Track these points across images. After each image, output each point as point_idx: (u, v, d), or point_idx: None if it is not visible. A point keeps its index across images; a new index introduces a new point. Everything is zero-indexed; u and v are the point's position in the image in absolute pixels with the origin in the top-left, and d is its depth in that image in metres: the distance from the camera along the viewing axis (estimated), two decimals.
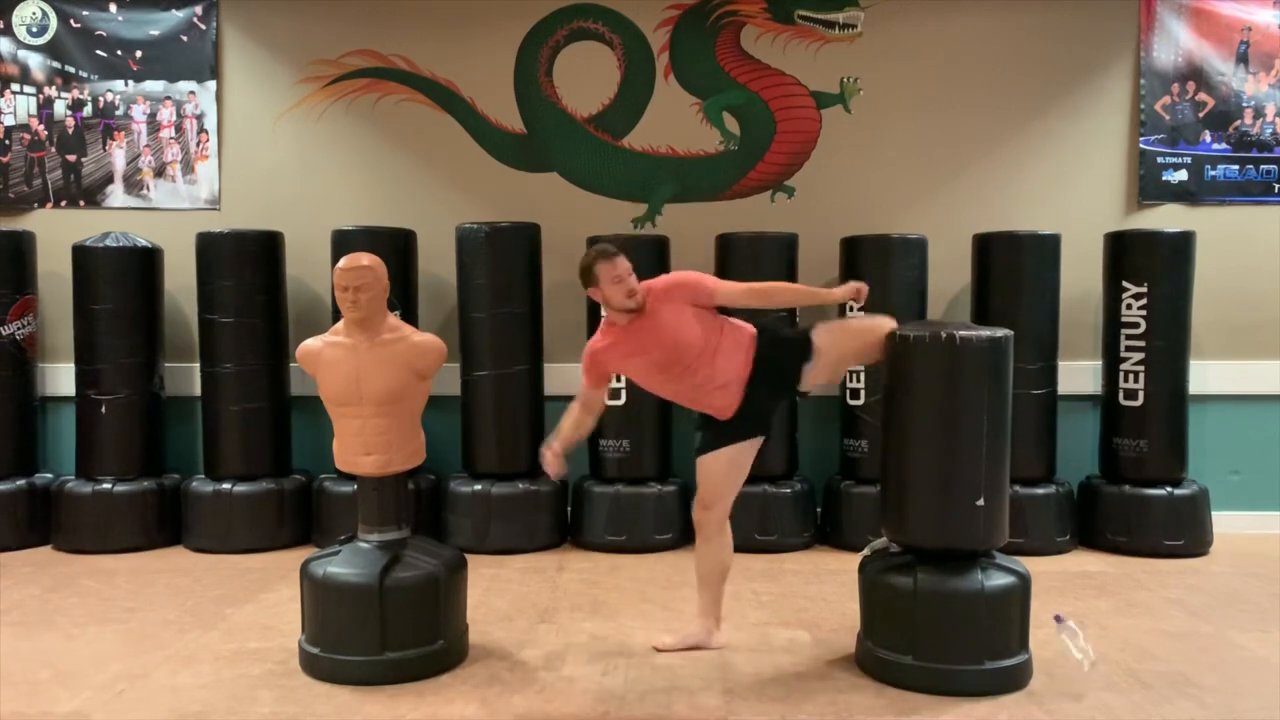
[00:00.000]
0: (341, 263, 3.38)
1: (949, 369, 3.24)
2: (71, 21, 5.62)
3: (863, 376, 5.08)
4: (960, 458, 3.23)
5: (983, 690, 3.19)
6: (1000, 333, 3.28)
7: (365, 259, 3.39)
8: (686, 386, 3.48)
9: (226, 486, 5.07)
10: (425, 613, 3.34)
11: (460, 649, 3.50)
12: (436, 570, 3.37)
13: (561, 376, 5.41)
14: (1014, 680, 3.25)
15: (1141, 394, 5.07)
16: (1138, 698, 3.21)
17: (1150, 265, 5.06)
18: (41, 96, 5.66)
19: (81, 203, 5.67)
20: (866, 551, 3.66)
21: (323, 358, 3.42)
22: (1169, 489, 5.02)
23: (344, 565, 3.36)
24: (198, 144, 5.65)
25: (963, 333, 3.22)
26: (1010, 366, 3.32)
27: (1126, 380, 5.11)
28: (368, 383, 3.35)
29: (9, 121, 5.65)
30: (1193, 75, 5.51)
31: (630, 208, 5.61)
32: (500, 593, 4.36)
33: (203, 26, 5.62)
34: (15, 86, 5.65)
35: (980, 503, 3.21)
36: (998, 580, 3.24)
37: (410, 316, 5.22)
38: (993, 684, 3.21)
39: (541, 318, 5.28)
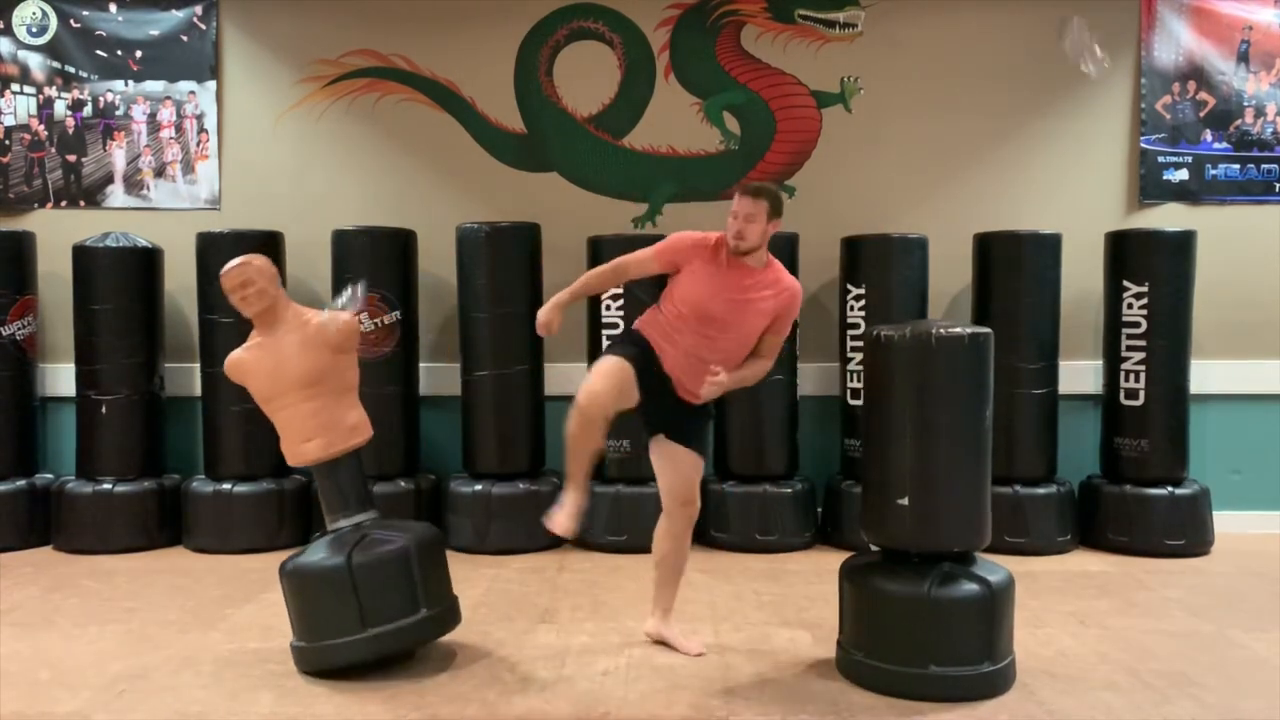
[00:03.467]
0: (222, 270, 3.42)
1: (922, 368, 3.18)
2: (71, 21, 5.62)
3: (863, 377, 5.08)
4: (932, 458, 3.18)
5: (924, 696, 3.13)
6: (976, 330, 3.22)
7: (240, 258, 3.43)
8: (702, 345, 3.35)
9: (226, 486, 5.07)
10: (400, 584, 3.33)
11: (449, 617, 3.50)
12: (405, 542, 3.37)
13: (561, 376, 5.41)
14: (963, 689, 3.14)
15: (1142, 393, 5.06)
16: (1138, 697, 3.20)
17: (1151, 265, 5.06)
18: (41, 96, 5.66)
19: (81, 203, 5.67)
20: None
21: (246, 363, 3.45)
22: (1170, 488, 5.02)
23: (312, 554, 3.39)
24: (198, 144, 5.65)
25: (937, 331, 3.18)
26: (989, 365, 3.25)
27: (1127, 380, 5.10)
28: (287, 371, 3.37)
29: (9, 121, 5.65)
30: (1194, 74, 5.51)
31: (631, 207, 5.61)
32: (500, 593, 4.36)
33: (203, 26, 5.62)
34: (15, 86, 5.65)
35: (903, 501, 3.17)
36: (949, 587, 3.15)
37: (410, 316, 5.23)
38: (936, 690, 3.13)
39: None
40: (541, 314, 3.45)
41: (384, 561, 3.31)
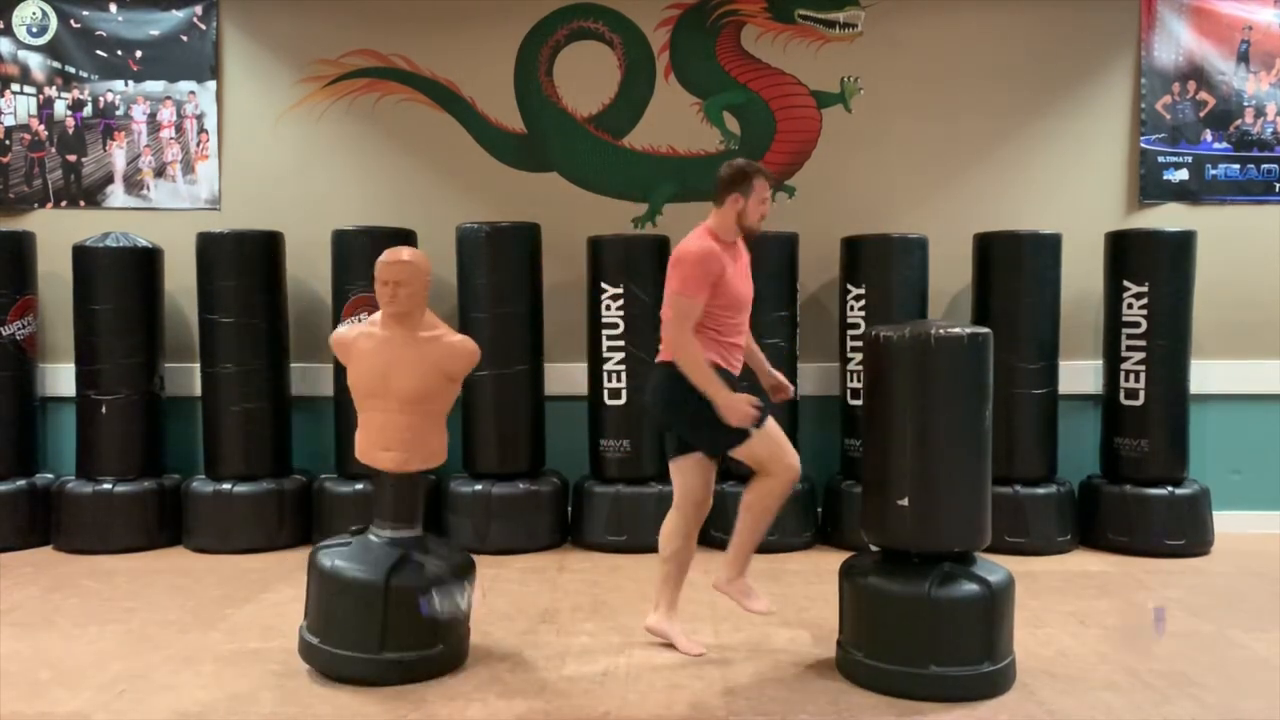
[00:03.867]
0: (383, 256, 3.36)
1: (922, 368, 3.18)
2: (71, 21, 5.62)
3: (863, 377, 5.07)
4: (932, 458, 3.18)
5: (924, 696, 3.13)
6: (976, 331, 3.22)
7: (406, 253, 3.37)
8: (741, 330, 3.54)
9: (226, 486, 5.07)
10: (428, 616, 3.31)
11: (459, 653, 3.47)
12: (442, 572, 3.34)
13: (561, 376, 5.42)
14: (963, 689, 3.14)
15: (1142, 393, 5.06)
16: (1138, 697, 3.20)
17: (1151, 265, 5.05)
18: (41, 96, 5.66)
19: (82, 203, 5.67)
20: None
21: (355, 347, 3.40)
22: (1170, 489, 5.02)
23: (352, 560, 3.33)
24: (198, 144, 5.65)
25: (937, 331, 3.18)
26: (989, 365, 3.25)
27: (1127, 380, 5.10)
28: (396, 378, 3.32)
29: (9, 121, 5.65)
30: (1194, 74, 5.51)
31: (630, 207, 5.61)
32: (501, 593, 4.36)
33: (203, 26, 5.62)
34: (15, 86, 5.65)
35: (903, 502, 3.18)
36: (949, 587, 3.16)
37: None
38: (936, 690, 3.13)
39: (541, 318, 5.28)
40: (738, 409, 3.31)
41: (419, 590, 3.28)
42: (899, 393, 3.22)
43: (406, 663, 3.28)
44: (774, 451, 3.43)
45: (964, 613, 3.15)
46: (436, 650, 3.34)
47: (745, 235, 3.50)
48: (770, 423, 3.43)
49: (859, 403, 5.08)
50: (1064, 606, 4.13)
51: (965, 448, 3.21)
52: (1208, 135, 5.53)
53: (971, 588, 3.17)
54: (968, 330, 3.20)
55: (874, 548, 3.41)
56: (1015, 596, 3.30)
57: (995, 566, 3.30)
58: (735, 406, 3.33)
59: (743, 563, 3.61)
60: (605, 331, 5.09)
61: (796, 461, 3.48)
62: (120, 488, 5.09)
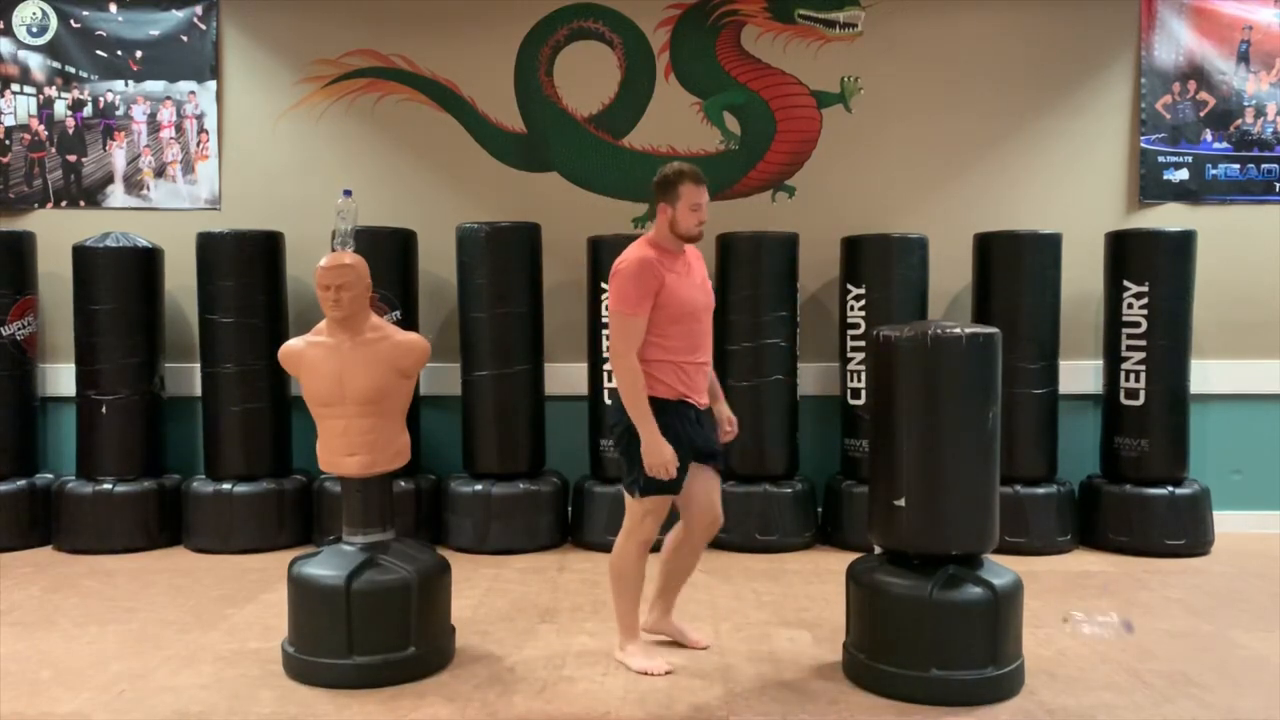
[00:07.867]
0: (323, 261, 3.36)
1: (929, 369, 3.17)
2: (71, 22, 5.63)
3: (863, 376, 5.08)
4: (938, 460, 3.17)
5: (925, 699, 3.12)
6: (982, 331, 3.20)
7: (347, 257, 3.37)
8: (697, 344, 3.35)
9: (227, 487, 5.07)
10: (395, 618, 3.30)
11: (438, 656, 3.44)
12: (408, 575, 3.32)
13: (561, 376, 5.42)
14: (965, 693, 3.12)
15: (1143, 393, 5.06)
16: (1139, 697, 3.20)
17: (1151, 264, 5.06)
18: (42, 97, 5.66)
19: (82, 203, 5.67)
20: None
21: (305, 358, 3.40)
22: (1170, 488, 5.02)
23: (319, 566, 3.35)
24: (198, 144, 5.65)
25: (939, 331, 3.16)
26: (997, 365, 3.24)
27: (1128, 380, 5.11)
28: (351, 382, 3.33)
29: (9, 122, 5.65)
30: (1194, 74, 5.51)
31: (631, 207, 5.61)
32: (501, 593, 4.36)
33: (203, 26, 5.62)
34: (15, 87, 5.65)
35: (899, 503, 3.18)
36: (953, 590, 3.14)
37: (410, 316, 5.23)
38: (937, 693, 3.12)
39: (541, 318, 5.28)
40: (659, 456, 3.19)
41: (381, 592, 3.28)
42: (904, 394, 3.21)
43: (377, 666, 3.27)
44: (693, 503, 3.44)
45: (966, 616, 3.14)
46: (409, 652, 3.32)
47: (687, 241, 3.36)
48: (698, 478, 3.40)
49: (859, 402, 5.08)
50: (1064, 606, 4.13)
51: (971, 449, 3.20)
52: (1208, 135, 5.53)
53: (975, 591, 3.15)
54: (976, 330, 3.20)
55: (878, 549, 3.41)
56: (1023, 600, 3.28)
57: (1003, 569, 3.29)
58: (658, 451, 3.19)
59: (668, 603, 3.67)
60: (605, 331, 5.09)
61: (718, 514, 3.49)
62: (120, 488, 5.09)
